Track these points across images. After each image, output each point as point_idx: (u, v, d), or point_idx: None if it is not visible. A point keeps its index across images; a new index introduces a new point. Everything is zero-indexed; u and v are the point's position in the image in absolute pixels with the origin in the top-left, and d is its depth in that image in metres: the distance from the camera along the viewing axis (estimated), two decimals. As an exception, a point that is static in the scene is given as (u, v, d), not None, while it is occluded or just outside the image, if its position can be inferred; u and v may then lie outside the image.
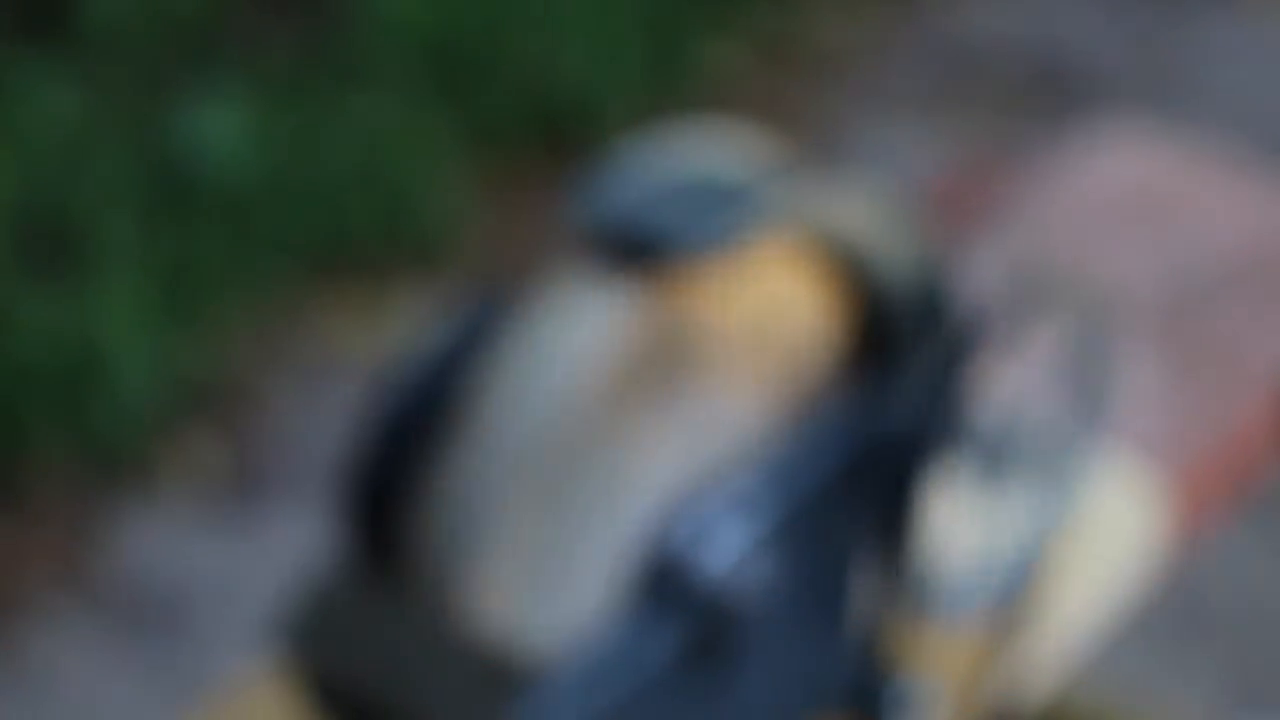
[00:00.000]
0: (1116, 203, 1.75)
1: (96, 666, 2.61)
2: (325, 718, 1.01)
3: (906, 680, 1.25)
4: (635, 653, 1.04)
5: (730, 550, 1.07)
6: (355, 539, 1.09)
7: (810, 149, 3.43)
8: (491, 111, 3.32)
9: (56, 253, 3.02)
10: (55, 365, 2.81)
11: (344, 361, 2.94)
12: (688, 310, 1.04)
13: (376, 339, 3.01)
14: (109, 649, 2.63)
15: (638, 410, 1.04)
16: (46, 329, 2.81)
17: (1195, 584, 2.66)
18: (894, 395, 1.16)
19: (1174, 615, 2.62)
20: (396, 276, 3.09)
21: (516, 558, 1.02)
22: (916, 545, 1.09)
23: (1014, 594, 1.21)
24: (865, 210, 1.08)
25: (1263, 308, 1.63)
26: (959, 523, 1.16)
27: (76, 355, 2.83)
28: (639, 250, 1.01)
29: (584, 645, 1.06)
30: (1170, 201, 1.75)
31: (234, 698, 0.95)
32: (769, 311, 1.10)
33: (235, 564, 2.67)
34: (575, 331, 1.01)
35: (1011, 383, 1.12)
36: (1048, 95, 3.45)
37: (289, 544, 2.69)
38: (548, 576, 1.04)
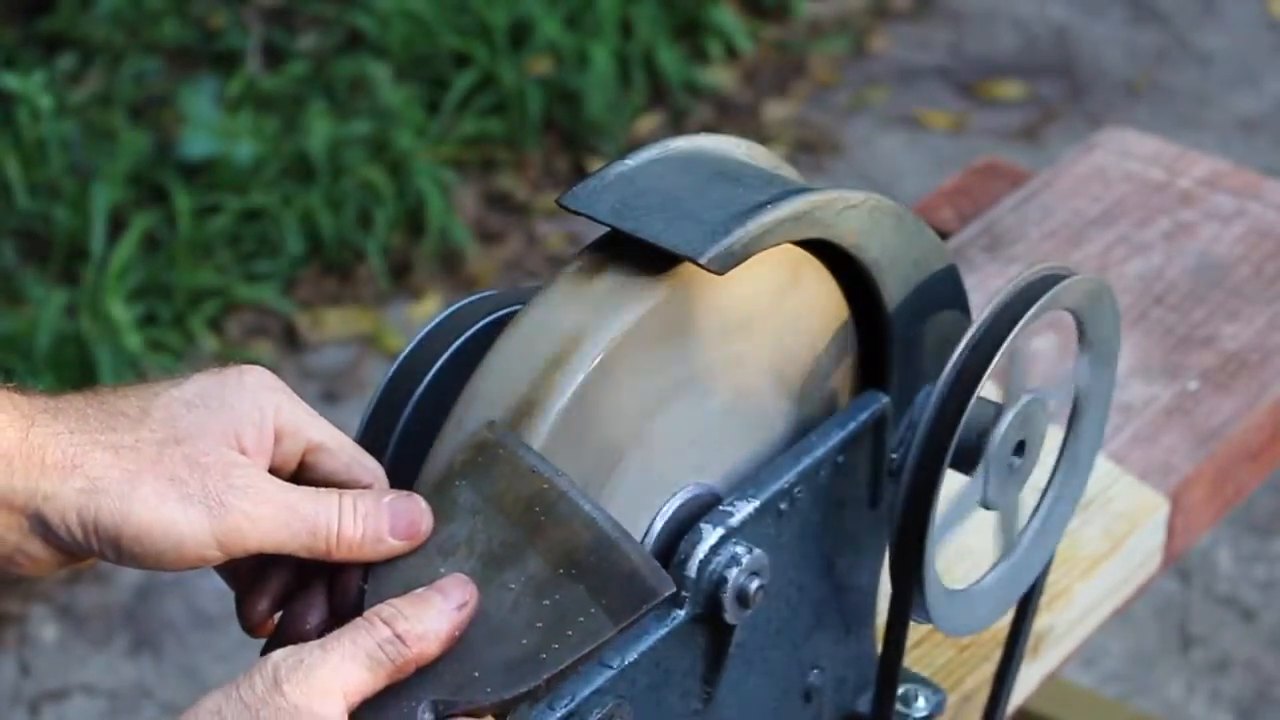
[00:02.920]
0: (1116, 203, 1.74)
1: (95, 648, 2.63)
2: None
3: (914, 683, 1.25)
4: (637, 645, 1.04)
5: (732, 546, 1.06)
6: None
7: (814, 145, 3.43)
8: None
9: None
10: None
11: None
12: (694, 309, 1.04)
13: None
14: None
15: (643, 407, 1.04)
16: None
17: (1190, 590, 2.66)
18: (899, 396, 1.16)
19: (1168, 622, 2.62)
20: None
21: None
22: (925, 548, 1.09)
23: (1018, 597, 1.21)
24: (869, 211, 1.08)
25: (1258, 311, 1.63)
26: (964, 526, 1.16)
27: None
28: (648, 251, 1.00)
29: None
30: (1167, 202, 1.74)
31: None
32: (774, 310, 1.09)
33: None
34: (582, 328, 1.01)
35: (1016, 384, 1.12)
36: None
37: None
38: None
